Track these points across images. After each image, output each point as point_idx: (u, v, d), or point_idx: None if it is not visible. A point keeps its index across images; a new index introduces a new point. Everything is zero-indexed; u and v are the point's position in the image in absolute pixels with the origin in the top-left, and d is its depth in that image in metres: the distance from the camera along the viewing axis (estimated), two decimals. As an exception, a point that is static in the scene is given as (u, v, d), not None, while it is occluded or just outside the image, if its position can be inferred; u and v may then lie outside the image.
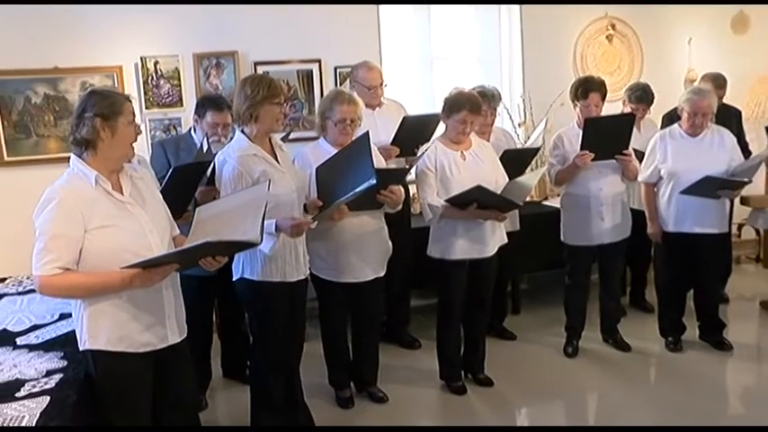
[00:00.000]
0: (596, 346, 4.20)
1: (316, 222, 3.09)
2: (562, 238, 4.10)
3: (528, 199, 5.06)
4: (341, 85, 4.85)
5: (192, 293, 3.45)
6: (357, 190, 2.87)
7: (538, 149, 4.30)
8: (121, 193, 2.28)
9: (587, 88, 3.91)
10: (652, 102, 4.57)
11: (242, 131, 2.96)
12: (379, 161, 3.40)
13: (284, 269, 2.98)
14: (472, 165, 3.48)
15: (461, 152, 3.50)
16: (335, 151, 3.24)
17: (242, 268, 3.00)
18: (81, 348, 2.29)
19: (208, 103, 3.50)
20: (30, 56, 4.29)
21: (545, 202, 5.14)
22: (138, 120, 4.25)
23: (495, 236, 3.56)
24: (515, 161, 3.90)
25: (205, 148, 3.27)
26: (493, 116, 4.13)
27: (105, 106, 2.21)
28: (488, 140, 4.07)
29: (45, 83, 4.34)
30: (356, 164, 2.97)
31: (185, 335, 2.46)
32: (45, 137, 4.36)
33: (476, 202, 3.33)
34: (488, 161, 3.55)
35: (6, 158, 4.33)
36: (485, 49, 5.54)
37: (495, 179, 3.48)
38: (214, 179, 3.00)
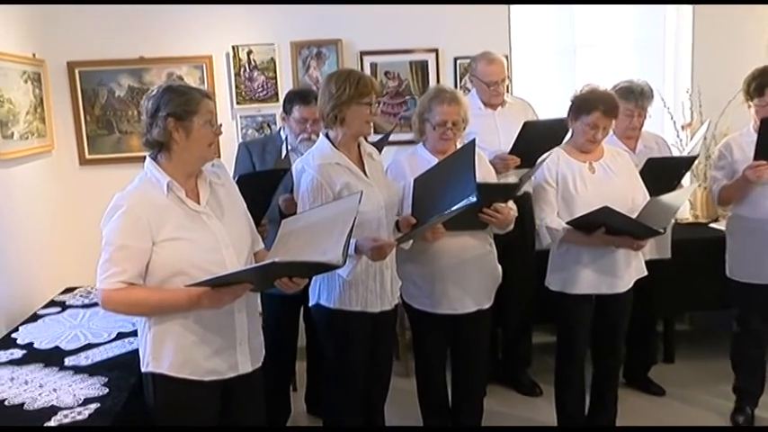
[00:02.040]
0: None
1: (408, 243, 3.06)
2: (728, 272, 3.81)
3: (690, 219, 4.81)
4: (461, 79, 4.83)
5: (275, 315, 3.63)
6: (454, 208, 2.81)
7: (693, 159, 4.02)
8: (197, 201, 2.34)
9: (763, 82, 3.58)
10: None
11: (326, 135, 2.97)
12: (487, 173, 3.33)
13: (366, 297, 2.96)
14: (602, 179, 3.32)
15: (589, 163, 3.34)
16: (434, 160, 3.20)
17: (318, 292, 3.01)
18: (143, 370, 2.37)
19: (294, 97, 3.56)
20: (114, 45, 4.57)
21: (713, 225, 4.78)
22: (228, 116, 4.62)
23: (629, 267, 3.37)
24: (663, 174, 3.66)
25: (284, 153, 3.31)
26: (641, 117, 3.91)
27: (179, 105, 2.27)
28: (635, 148, 3.88)
29: (129, 74, 4.61)
30: (457, 176, 2.91)
31: (259, 364, 2.50)
32: (128, 133, 4.63)
33: (604, 226, 3.14)
34: (623, 175, 3.36)
35: (88, 156, 4.64)
36: (643, 32, 5.27)
37: (632, 197, 3.31)
38: None
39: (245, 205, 2.54)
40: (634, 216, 3.16)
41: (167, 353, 2.31)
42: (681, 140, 4.88)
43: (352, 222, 2.37)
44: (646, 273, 3.46)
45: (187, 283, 2.18)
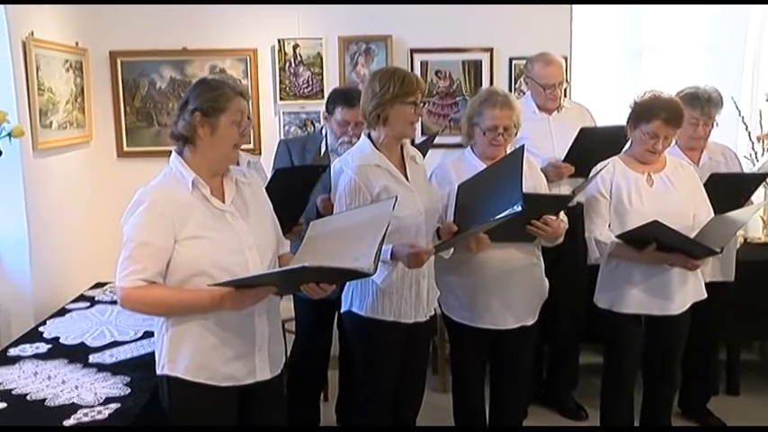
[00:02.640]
0: None
1: (448, 252, 3.04)
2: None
3: (763, 239, 4.67)
4: (515, 80, 4.79)
5: (308, 319, 3.66)
6: (497, 217, 2.79)
7: (764, 176, 3.89)
8: (222, 199, 2.37)
9: None
10: None
11: (368, 136, 2.98)
12: (538, 181, 3.31)
13: (400, 307, 2.95)
14: (660, 192, 3.26)
15: (648, 175, 3.29)
16: (482, 166, 3.18)
17: (351, 299, 3.01)
18: (158, 372, 2.41)
19: (338, 98, 3.57)
20: (158, 35, 4.67)
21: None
22: (270, 112, 4.67)
23: (685, 288, 3.30)
24: (729, 191, 3.56)
25: (323, 150, 3.33)
26: (707, 126, 3.80)
27: (208, 100, 2.31)
28: (698, 160, 3.80)
29: (171, 65, 4.69)
30: (503, 184, 2.90)
31: (278, 372, 2.52)
32: (167, 126, 4.64)
33: (655, 242, 3.09)
34: (685, 189, 3.30)
35: (126, 148, 4.75)
36: (719, 35, 5.14)
37: (693, 213, 3.25)
38: None
39: (271, 206, 2.56)
40: (694, 234, 3.10)
41: (184, 356, 2.34)
42: (756, 153, 4.74)
43: (385, 228, 2.37)
44: (705, 295, 3.39)
45: (208, 284, 2.20)
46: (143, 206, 2.26)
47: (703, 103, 3.73)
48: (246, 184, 2.47)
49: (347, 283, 3.01)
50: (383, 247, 2.71)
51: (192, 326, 2.32)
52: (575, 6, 4.83)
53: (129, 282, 2.24)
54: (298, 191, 3.17)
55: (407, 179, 2.95)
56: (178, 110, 2.35)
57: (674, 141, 3.36)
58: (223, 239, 2.31)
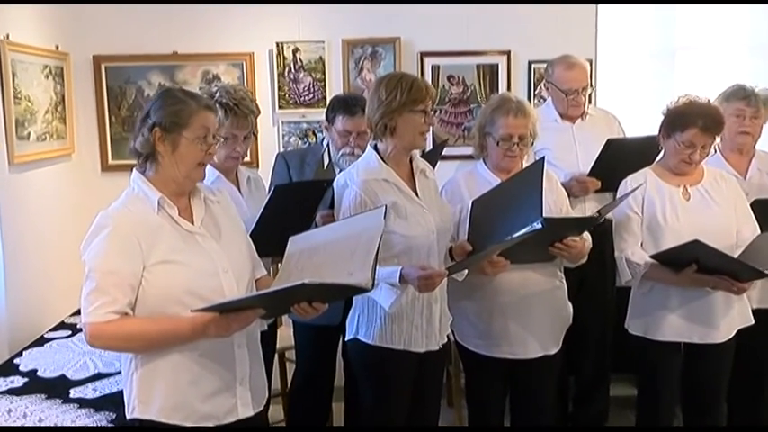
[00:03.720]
0: None
1: (462, 274, 3.02)
2: None
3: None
4: (535, 86, 4.79)
5: (309, 347, 3.64)
6: (515, 235, 2.79)
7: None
8: (191, 221, 2.35)
9: None
10: None
11: (374, 147, 2.97)
12: (558, 197, 3.30)
13: (410, 334, 2.94)
14: (698, 207, 3.25)
15: (684, 188, 3.28)
16: (496, 180, 3.19)
17: (356, 326, 2.99)
18: (128, 416, 2.37)
19: (338, 105, 3.57)
20: (146, 39, 4.66)
21: None
22: (268, 121, 4.66)
23: (729, 314, 3.28)
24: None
25: (326, 162, 3.32)
26: (757, 121, 3.76)
27: (168, 114, 2.28)
28: (746, 172, 3.77)
29: (161, 71, 4.69)
30: (521, 199, 2.90)
31: (261, 408, 2.48)
32: (155, 138, 4.69)
33: (695, 263, 3.06)
34: (726, 203, 3.28)
35: (111, 161, 4.75)
36: (764, 32, 5.13)
37: (737, 230, 3.24)
38: None
39: (243, 226, 2.55)
40: (737, 253, 3.07)
41: (157, 395, 2.29)
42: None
43: (378, 241, 2.35)
44: (752, 321, 3.37)
45: (192, 309, 2.18)
46: (105, 231, 2.22)
47: (749, 95, 3.72)
48: (216, 202, 2.46)
49: (352, 309, 3.01)
50: (390, 268, 2.73)
51: (165, 361, 2.28)
52: (600, 7, 4.84)
53: (99, 316, 2.19)
54: (301, 209, 3.13)
55: (417, 195, 2.94)
56: (138, 123, 2.32)
57: (712, 150, 3.32)
58: (195, 263, 2.28)
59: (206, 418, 2.33)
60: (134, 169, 2.37)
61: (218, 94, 3.11)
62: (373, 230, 2.40)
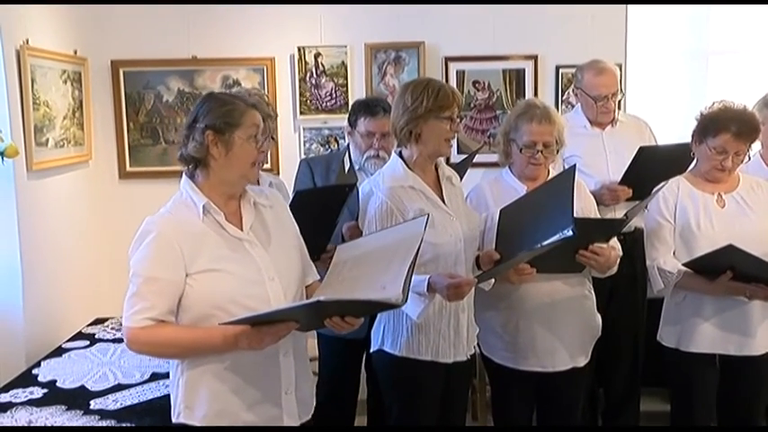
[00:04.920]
0: None
1: (489, 283, 3.03)
2: None
3: None
4: (563, 92, 4.80)
5: (332, 360, 3.66)
6: (545, 243, 2.79)
7: None
8: (240, 226, 2.37)
9: None
10: None
11: (399, 154, 2.99)
12: (585, 206, 3.29)
13: (438, 345, 2.94)
14: (733, 214, 3.23)
15: (718, 195, 3.27)
16: (521, 187, 3.20)
17: (382, 337, 3.01)
18: (173, 420, 2.40)
19: (360, 108, 3.60)
20: (165, 43, 4.72)
21: None
22: (290, 128, 4.69)
23: (767, 324, 3.25)
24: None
25: (347, 167, 3.34)
26: None
27: (219, 116, 2.31)
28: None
29: (180, 76, 4.75)
30: (552, 207, 2.90)
31: (308, 417, 2.50)
32: (174, 144, 4.71)
33: (730, 271, 3.05)
34: (761, 210, 3.27)
35: (129, 168, 4.79)
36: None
37: None
38: None
39: (297, 231, 2.56)
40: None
41: (201, 403, 2.33)
42: None
43: (415, 251, 2.34)
44: (791, 332, 3.35)
45: (220, 323, 2.20)
46: (150, 237, 2.26)
47: None
48: (268, 206, 2.47)
49: (378, 319, 3.02)
50: (418, 276, 2.73)
51: (209, 368, 2.32)
52: (630, 6, 4.84)
53: (136, 321, 2.24)
54: (324, 214, 3.17)
55: (444, 202, 2.95)
56: (186, 129, 2.34)
57: (749, 157, 3.30)
58: (241, 271, 2.30)
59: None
60: (183, 174, 2.39)
61: None
62: (411, 240, 2.40)
